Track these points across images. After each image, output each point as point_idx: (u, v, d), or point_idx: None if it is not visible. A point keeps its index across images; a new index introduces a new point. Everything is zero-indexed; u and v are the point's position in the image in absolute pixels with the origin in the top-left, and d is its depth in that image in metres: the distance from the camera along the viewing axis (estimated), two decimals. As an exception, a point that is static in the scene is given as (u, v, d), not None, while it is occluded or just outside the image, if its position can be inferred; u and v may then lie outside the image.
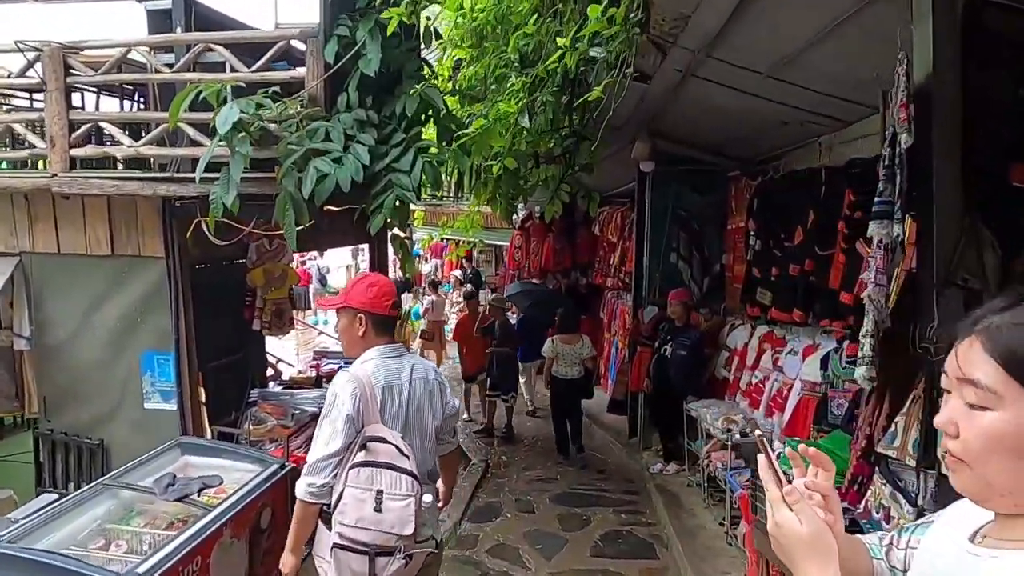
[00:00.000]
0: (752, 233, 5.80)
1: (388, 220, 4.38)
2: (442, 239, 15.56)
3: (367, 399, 2.57)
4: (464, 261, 15.62)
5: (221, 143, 3.96)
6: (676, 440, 6.59)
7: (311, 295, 16.66)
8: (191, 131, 4.41)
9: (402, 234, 4.78)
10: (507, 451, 7.85)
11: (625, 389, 7.79)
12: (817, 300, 4.71)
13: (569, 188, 7.05)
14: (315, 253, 16.38)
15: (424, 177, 4.33)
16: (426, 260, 19.49)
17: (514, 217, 11.31)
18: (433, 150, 4.55)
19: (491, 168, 6.91)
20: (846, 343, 4.35)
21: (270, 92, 4.14)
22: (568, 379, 7.40)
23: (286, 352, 8.73)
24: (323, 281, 16.95)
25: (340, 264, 18.94)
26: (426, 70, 4.95)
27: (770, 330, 5.69)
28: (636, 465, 7.14)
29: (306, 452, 2.86)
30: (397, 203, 4.32)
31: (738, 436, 5.08)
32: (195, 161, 4.62)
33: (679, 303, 6.42)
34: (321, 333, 14.87)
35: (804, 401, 4.61)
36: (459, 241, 14.40)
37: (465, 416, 8.69)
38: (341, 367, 7.98)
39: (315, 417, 5.79)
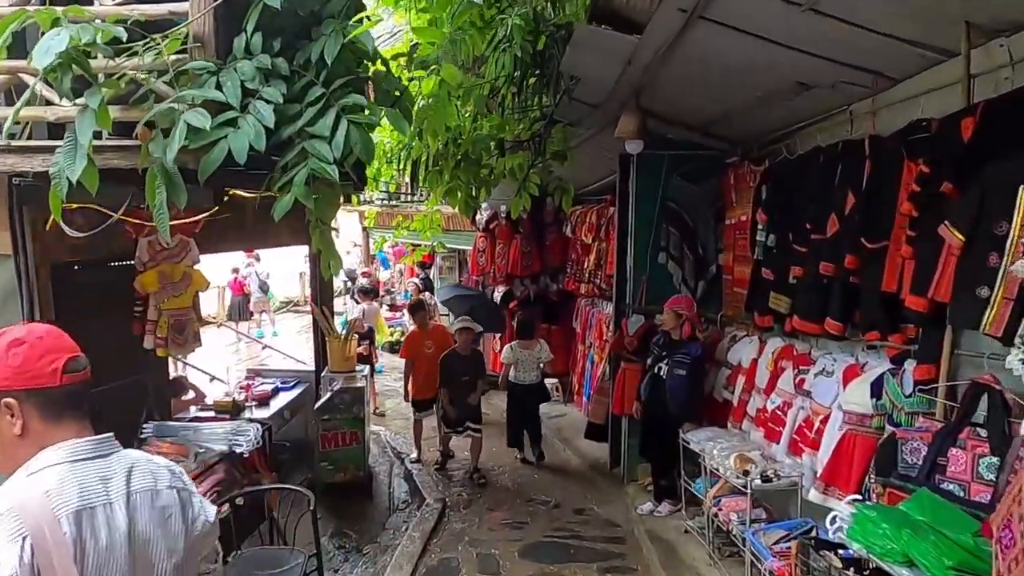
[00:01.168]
0: (761, 227, 4.77)
1: (310, 206, 3.30)
2: (396, 242, 14.35)
3: (48, 546, 1.37)
4: (418, 267, 14.40)
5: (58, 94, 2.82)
6: (670, 475, 5.52)
7: (252, 304, 15.31)
8: (38, 84, 3.28)
9: (325, 222, 3.65)
10: (468, 487, 6.70)
11: (606, 412, 6.73)
12: (860, 306, 3.70)
13: (539, 179, 6.06)
14: (252, 259, 14.98)
15: (353, 147, 3.28)
16: (389, 266, 18.18)
17: (478, 217, 10.32)
18: (366, 112, 3.45)
19: (448, 148, 5.88)
20: (909, 363, 3.33)
21: (129, 21, 3.01)
22: (526, 384, 7.31)
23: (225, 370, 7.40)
24: (264, 288, 15.45)
25: (291, 271, 17.36)
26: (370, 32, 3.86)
27: (788, 344, 4.65)
28: (620, 503, 6.04)
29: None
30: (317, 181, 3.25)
31: (759, 481, 4.01)
32: (49, 127, 3.61)
33: (675, 311, 5.32)
34: (266, 347, 13.57)
35: (849, 439, 3.54)
36: (415, 245, 13.22)
37: (413, 456, 7.42)
38: (277, 388, 6.73)
39: (225, 457, 4.64)
